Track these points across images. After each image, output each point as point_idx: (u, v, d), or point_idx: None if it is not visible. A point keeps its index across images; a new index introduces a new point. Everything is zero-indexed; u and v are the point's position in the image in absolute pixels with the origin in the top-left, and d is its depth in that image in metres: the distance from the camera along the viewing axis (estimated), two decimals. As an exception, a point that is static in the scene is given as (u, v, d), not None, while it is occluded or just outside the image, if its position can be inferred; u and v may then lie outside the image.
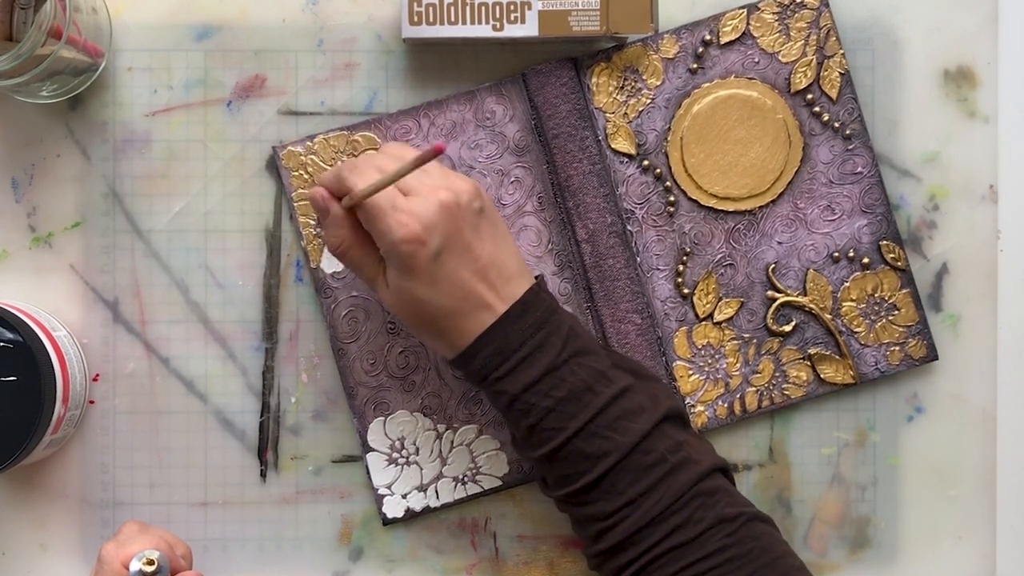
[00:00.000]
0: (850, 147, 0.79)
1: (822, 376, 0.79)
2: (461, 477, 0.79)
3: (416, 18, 0.76)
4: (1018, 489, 0.80)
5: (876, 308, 0.80)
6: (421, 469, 0.79)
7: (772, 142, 0.79)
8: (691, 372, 0.79)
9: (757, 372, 0.79)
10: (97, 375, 0.79)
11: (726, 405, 0.79)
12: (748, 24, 0.79)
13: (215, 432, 0.79)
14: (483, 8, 0.75)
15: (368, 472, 0.79)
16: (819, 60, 0.79)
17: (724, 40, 0.79)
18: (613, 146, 0.79)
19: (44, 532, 0.79)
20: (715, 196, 0.79)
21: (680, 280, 0.79)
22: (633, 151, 0.79)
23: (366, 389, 0.79)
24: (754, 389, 0.80)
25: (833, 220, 0.79)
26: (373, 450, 0.79)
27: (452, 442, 0.79)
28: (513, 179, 0.79)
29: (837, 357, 0.79)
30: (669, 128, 0.79)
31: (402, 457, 0.79)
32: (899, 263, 0.79)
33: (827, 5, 0.79)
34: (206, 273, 0.79)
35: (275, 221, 0.79)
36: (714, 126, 0.79)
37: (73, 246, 0.79)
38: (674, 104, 0.79)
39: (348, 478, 0.80)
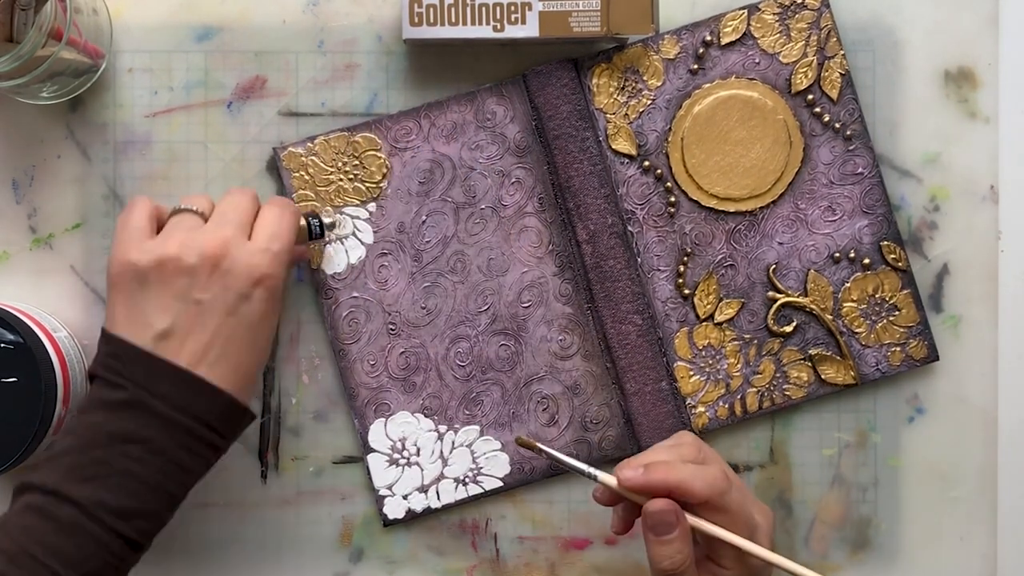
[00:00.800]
0: (851, 148, 0.79)
1: (823, 377, 0.79)
2: (462, 478, 0.79)
3: (417, 19, 0.76)
4: (1019, 490, 0.80)
5: (877, 309, 0.80)
6: (422, 470, 0.79)
7: (773, 143, 0.79)
8: (692, 373, 0.79)
9: (758, 373, 0.79)
10: (98, 376, 0.79)
11: (727, 406, 0.79)
12: (749, 25, 0.79)
13: (216, 433, 0.79)
14: (484, 9, 0.75)
15: (369, 473, 0.79)
16: (820, 61, 0.79)
17: (725, 41, 0.79)
18: (614, 147, 0.79)
19: (45, 533, 0.79)
20: (716, 197, 0.79)
21: (681, 281, 0.79)
22: (634, 152, 0.79)
23: (367, 390, 0.79)
24: (755, 390, 0.79)
25: (834, 221, 0.79)
26: (374, 451, 0.79)
27: (453, 443, 0.79)
28: (514, 180, 0.79)
29: (838, 358, 0.79)
30: (670, 129, 0.79)
31: (403, 458, 0.79)
32: (900, 264, 0.79)
33: (828, 6, 0.79)
34: (207, 274, 0.79)
35: (276, 222, 0.79)
36: (715, 127, 0.79)
37: (74, 247, 0.79)
38: (675, 105, 0.79)
39: (349, 479, 0.80)
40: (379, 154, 0.79)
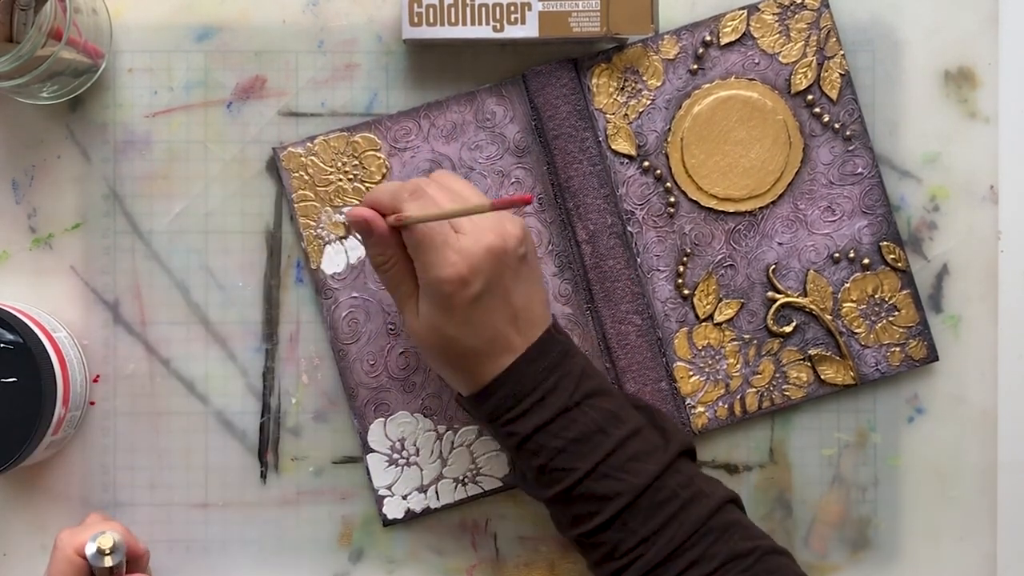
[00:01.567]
0: (850, 148, 0.79)
1: (822, 377, 0.79)
2: (461, 478, 0.79)
3: (416, 19, 0.76)
4: (1019, 490, 0.80)
5: (876, 309, 0.80)
6: (421, 470, 0.79)
7: (772, 143, 0.79)
8: (691, 373, 0.79)
9: (757, 373, 0.79)
10: (97, 376, 0.79)
11: (726, 406, 0.79)
12: (748, 25, 0.79)
13: (215, 433, 0.79)
14: (483, 9, 0.75)
15: (368, 473, 0.79)
16: (819, 61, 0.79)
17: (724, 41, 0.79)
18: (613, 147, 0.79)
19: (45, 533, 0.79)
20: (715, 197, 0.79)
21: (680, 281, 0.79)
22: (633, 152, 0.79)
23: (366, 390, 0.79)
24: (754, 390, 0.79)
25: (833, 221, 0.79)
26: (373, 451, 0.79)
27: (452, 443, 0.79)
28: (513, 180, 0.79)
29: (837, 358, 0.79)
30: (669, 129, 0.79)
31: (402, 458, 0.79)
32: (899, 264, 0.79)
33: (827, 6, 0.79)
34: (206, 274, 0.79)
35: (276, 222, 0.79)
36: (714, 127, 0.79)
37: (73, 247, 0.79)
38: (674, 105, 0.79)
39: (348, 479, 0.80)
40: (379, 154, 0.79)
